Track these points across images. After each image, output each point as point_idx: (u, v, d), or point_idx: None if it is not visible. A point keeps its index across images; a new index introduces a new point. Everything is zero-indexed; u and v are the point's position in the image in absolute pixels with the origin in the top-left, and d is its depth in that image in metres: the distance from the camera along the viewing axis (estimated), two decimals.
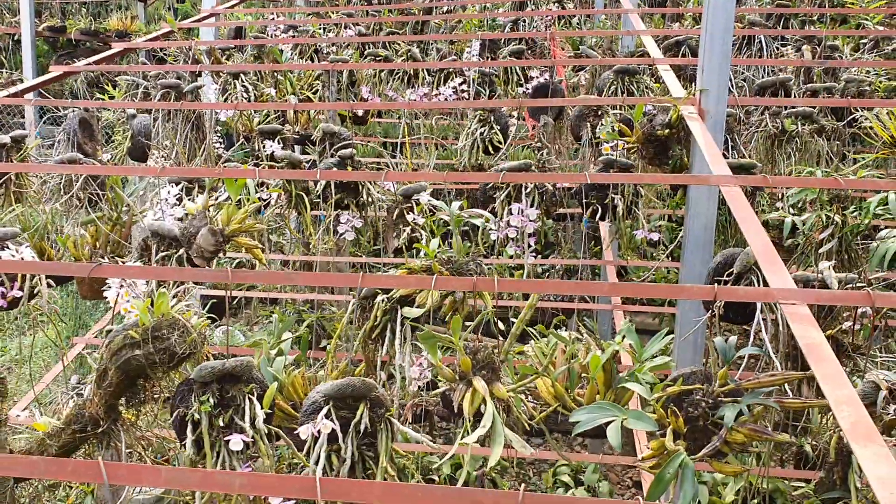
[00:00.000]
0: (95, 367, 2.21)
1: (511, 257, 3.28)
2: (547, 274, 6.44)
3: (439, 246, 2.60)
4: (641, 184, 3.15)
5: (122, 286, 2.56)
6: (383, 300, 2.42)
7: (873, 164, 3.58)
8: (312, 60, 5.22)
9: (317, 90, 4.48)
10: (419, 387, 2.52)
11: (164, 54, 5.38)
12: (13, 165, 3.47)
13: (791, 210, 3.32)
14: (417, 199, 3.06)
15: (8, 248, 2.77)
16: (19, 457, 2.00)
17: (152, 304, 2.14)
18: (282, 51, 5.13)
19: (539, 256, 5.16)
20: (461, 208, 2.84)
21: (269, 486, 1.50)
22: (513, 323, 2.52)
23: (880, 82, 3.98)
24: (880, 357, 2.28)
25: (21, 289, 2.63)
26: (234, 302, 5.38)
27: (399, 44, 5.04)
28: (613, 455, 3.92)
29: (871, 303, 1.69)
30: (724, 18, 3.01)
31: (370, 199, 3.31)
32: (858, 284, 2.28)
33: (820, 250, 2.80)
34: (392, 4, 6.15)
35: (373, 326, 2.48)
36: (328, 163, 3.46)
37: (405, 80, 4.76)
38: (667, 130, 3.08)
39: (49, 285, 2.63)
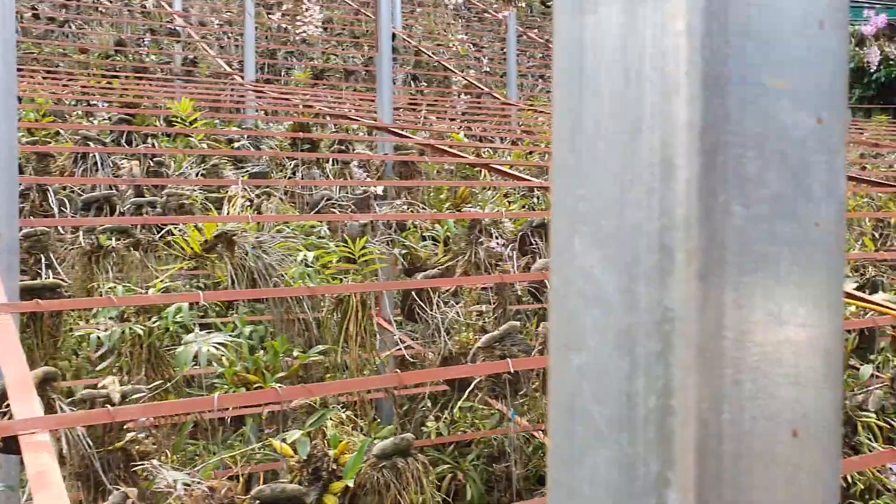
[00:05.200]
0: None
1: None
2: None
3: None
4: None
5: None
6: None
7: (188, 272, 3.91)
8: None
9: None
10: None
11: None
12: None
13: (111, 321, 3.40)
14: None
15: None
16: None
17: None
18: None
19: None
20: None
21: None
22: None
23: (196, 198, 4.40)
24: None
25: None
26: None
27: None
28: None
29: (112, 418, 1.80)
30: (6, 147, 2.96)
31: None
32: (141, 394, 2.42)
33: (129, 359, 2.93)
34: None
35: None
36: None
37: None
38: None
39: None
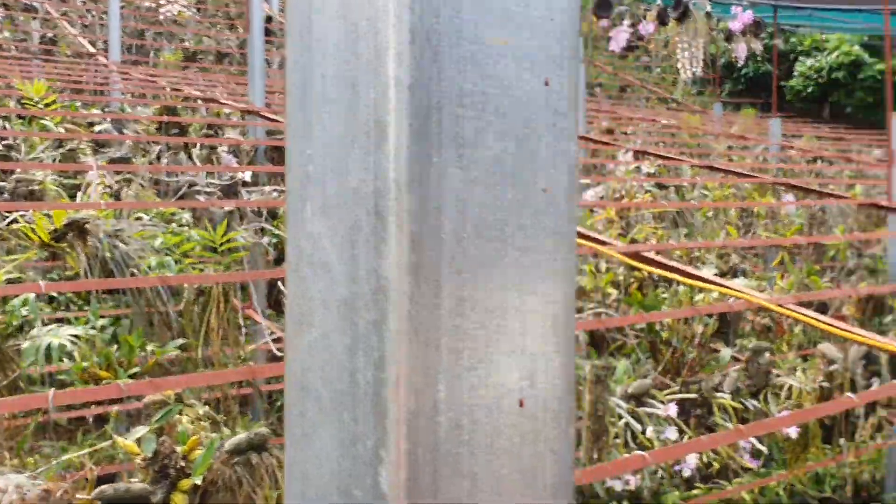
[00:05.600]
0: None
1: None
2: None
3: None
4: None
5: None
6: None
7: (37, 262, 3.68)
8: None
9: None
10: None
11: None
12: None
13: None
14: None
15: None
16: None
17: None
18: None
19: None
20: None
21: None
22: None
23: (49, 183, 4.14)
24: None
25: None
26: None
27: None
28: None
29: None
30: None
31: None
32: None
33: None
34: None
35: None
36: None
37: None
38: None
39: None
